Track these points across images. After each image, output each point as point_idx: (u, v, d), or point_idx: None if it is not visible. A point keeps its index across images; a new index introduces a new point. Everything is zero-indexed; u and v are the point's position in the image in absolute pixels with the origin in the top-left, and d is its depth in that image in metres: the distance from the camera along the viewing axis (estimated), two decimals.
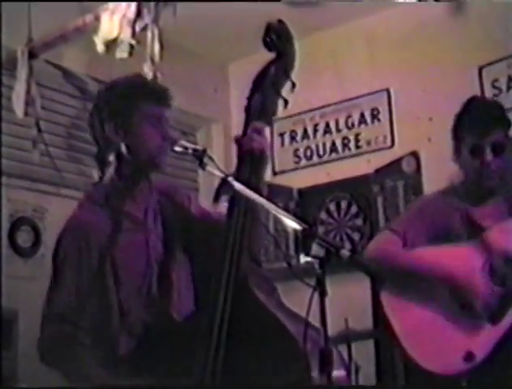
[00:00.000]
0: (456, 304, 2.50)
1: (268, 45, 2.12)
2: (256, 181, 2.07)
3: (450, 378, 2.42)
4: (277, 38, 2.11)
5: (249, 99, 2.14)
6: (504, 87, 4.21)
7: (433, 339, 2.48)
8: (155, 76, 2.57)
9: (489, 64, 4.24)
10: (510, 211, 2.63)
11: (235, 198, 2.04)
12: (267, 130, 2.16)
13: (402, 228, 2.67)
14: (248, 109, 2.14)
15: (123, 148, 2.19)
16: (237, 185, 1.92)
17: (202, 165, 2.01)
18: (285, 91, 2.15)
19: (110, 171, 2.24)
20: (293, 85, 2.12)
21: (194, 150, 2.05)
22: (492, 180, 2.60)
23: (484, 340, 2.41)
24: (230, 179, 1.92)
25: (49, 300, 2.19)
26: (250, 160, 2.10)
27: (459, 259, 2.51)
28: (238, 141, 2.13)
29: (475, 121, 2.60)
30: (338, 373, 1.97)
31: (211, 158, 2.09)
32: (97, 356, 2.12)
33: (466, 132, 2.61)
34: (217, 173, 1.98)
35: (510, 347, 2.39)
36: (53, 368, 2.18)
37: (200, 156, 2.04)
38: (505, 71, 4.21)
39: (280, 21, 2.12)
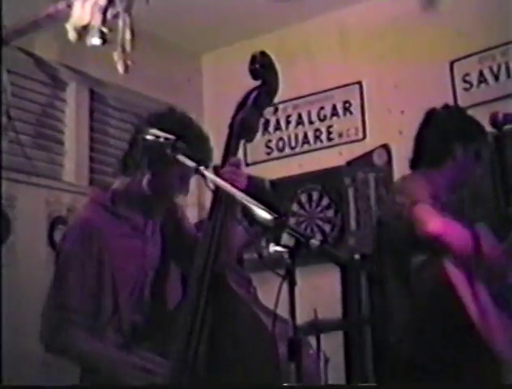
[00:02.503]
0: None
1: (253, 74, 2.29)
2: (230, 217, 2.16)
3: None
4: (261, 68, 2.28)
5: (233, 118, 2.29)
6: (475, 82, 4.25)
7: (501, 322, 2.47)
8: (126, 65, 2.56)
9: (461, 58, 4.28)
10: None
11: (215, 199, 2.15)
12: (243, 165, 2.31)
13: (426, 200, 2.67)
14: (231, 126, 2.28)
15: (145, 180, 2.30)
16: (209, 175, 1.94)
17: (173, 154, 2.03)
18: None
19: (125, 180, 2.37)
20: (275, 108, 2.29)
21: (166, 139, 2.06)
22: None
23: None
24: (201, 168, 1.93)
25: (51, 292, 2.28)
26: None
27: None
28: (216, 170, 2.21)
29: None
30: (306, 361, 2.02)
31: (182, 147, 2.11)
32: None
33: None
34: (188, 162, 2.00)
35: None
36: (58, 355, 2.31)
37: (172, 145, 2.05)
38: (476, 66, 4.25)
39: (263, 53, 2.30)
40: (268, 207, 1.78)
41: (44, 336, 2.26)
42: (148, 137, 2.11)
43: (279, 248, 1.68)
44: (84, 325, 2.23)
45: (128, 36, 2.67)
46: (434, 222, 2.57)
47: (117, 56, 2.73)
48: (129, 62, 2.60)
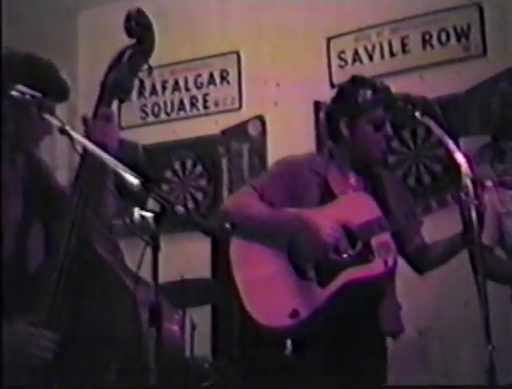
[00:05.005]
0: (292, 265, 2.60)
1: (128, 32, 2.22)
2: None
3: (276, 331, 2.52)
4: (136, 25, 2.21)
5: (106, 75, 2.21)
6: (349, 60, 4.36)
7: (267, 293, 2.57)
8: None
9: (337, 36, 4.37)
10: (366, 187, 2.76)
11: (83, 162, 2.07)
12: (115, 117, 2.21)
13: (261, 185, 2.73)
14: (103, 84, 2.20)
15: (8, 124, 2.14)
16: (75, 135, 1.88)
17: (39, 113, 1.96)
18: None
19: None
20: (150, 69, 2.22)
21: (32, 96, 1.98)
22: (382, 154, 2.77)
23: (310, 301, 2.52)
24: (67, 128, 1.87)
25: None
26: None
27: (307, 221, 2.59)
28: (86, 123, 2.12)
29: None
30: (170, 327, 2.03)
31: (50, 106, 2.04)
32: None
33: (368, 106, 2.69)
34: (55, 121, 1.94)
35: (332, 308, 2.51)
36: None
37: (38, 103, 1.98)
38: (351, 44, 4.35)
39: (140, 10, 2.22)
40: (140, 172, 1.76)
41: None
42: (13, 93, 2.02)
43: (144, 213, 1.66)
44: None
45: None
46: (228, 202, 2.88)
47: None
48: None
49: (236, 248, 2.66)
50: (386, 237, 2.58)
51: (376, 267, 2.55)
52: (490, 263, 2.79)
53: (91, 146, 1.90)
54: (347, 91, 2.78)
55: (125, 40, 2.32)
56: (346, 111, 2.72)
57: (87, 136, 2.08)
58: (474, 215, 2.03)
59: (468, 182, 2.04)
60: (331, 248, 2.54)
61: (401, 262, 2.74)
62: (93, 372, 2.00)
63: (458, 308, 3.60)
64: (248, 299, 2.56)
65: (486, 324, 1.94)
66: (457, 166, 2.08)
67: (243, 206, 2.71)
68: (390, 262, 2.55)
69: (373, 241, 2.57)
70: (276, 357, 2.53)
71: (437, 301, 3.84)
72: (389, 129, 2.73)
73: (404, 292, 3.76)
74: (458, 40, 4.11)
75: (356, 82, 2.79)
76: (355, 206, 2.66)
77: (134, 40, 2.25)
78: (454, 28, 4.12)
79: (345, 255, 2.56)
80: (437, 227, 2.77)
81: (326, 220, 2.57)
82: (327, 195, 2.70)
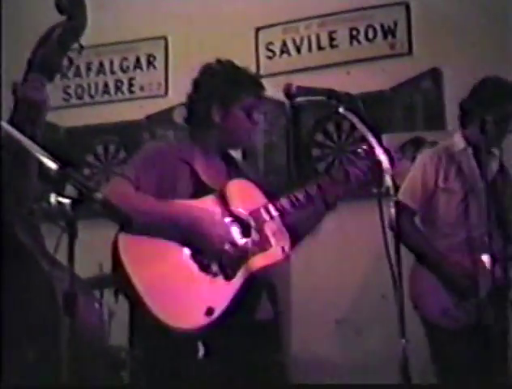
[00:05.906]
0: (193, 260, 2.44)
1: (59, 8, 2.19)
2: (31, 128, 2.06)
3: (189, 332, 2.34)
4: (68, 2, 2.19)
5: (34, 52, 2.17)
6: (278, 51, 4.37)
7: (173, 293, 2.37)
8: None
9: (266, 27, 4.37)
10: (230, 174, 2.68)
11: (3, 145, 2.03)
12: (46, 85, 2.18)
13: (134, 174, 2.51)
14: (31, 61, 2.16)
15: None
16: None
17: None
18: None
19: None
20: (81, 48, 2.21)
21: None
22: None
23: (221, 296, 2.41)
24: None
25: None
26: (26, 109, 2.12)
27: (196, 216, 2.46)
28: (15, 89, 2.07)
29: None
30: (85, 315, 2.01)
31: None
32: None
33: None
34: None
35: (243, 301, 2.42)
36: None
37: None
38: (280, 36, 4.37)
39: None
40: (59, 156, 1.72)
41: None
42: None
43: (61, 199, 1.62)
44: None
45: None
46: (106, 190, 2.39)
47: None
48: None
49: (127, 246, 2.40)
50: (278, 223, 2.55)
51: (274, 254, 2.52)
52: (403, 223, 2.88)
53: (9, 129, 1.84)
54: (210, 79, 2.75)
55: (56, 17, 2.26)
56: (218, 97, 2.66)
57: (17, 99, 2.06)
58: (392, 210, 2.06)
59: (388, 178, 2.07)
60: (226, 240, 2.45)
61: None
62: (14, 357, 1.96)
63: (376, 300, 3.66)
64: (152, 301, 2.31)
65: (401, 317, 1.95)
66: (378, 162, 2.11)
67: (123, 199, 2.32)
68: (287, 248, 2.53)
69: (267, 229, 2.52)
70: (190, 362, 2.38)
71: (355, 293, 3.90)
72: (260, 116, 2.72)
73: (323, 282, 3.81)
74: (385, 37, 4.18)
75: (217, 69, 2.78)
76: (240, 194, 2.58)
77: (64, 17, 2.21)
78: (381, 25, 4.19)
79: (241, 244, 2.48)
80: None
81: (214, 213, 2.48)
82: (199, 185, 2.58)
